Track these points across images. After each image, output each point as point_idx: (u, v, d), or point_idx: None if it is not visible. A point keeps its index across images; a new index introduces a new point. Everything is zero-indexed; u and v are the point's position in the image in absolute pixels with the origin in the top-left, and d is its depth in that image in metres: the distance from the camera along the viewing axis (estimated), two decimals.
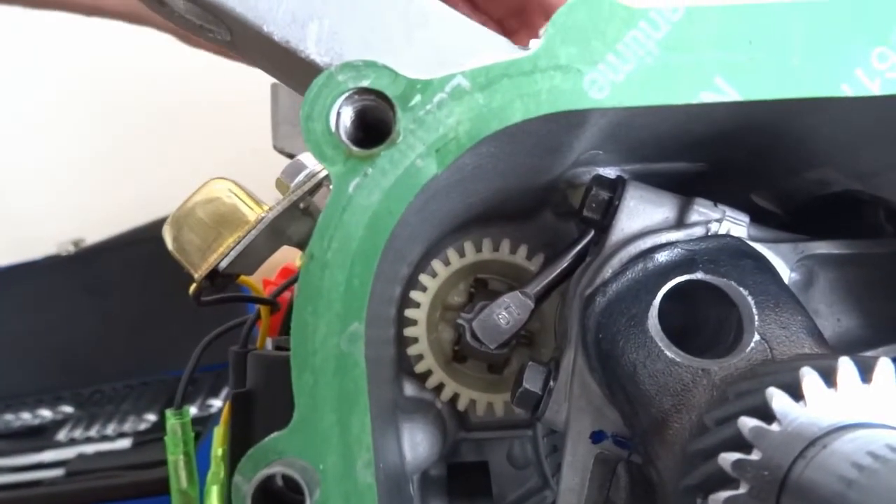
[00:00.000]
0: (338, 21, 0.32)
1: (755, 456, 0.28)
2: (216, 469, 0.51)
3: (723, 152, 0.42)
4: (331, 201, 0.28)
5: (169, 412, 0.53)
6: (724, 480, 0.28)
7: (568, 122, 0.31)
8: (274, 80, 0.59)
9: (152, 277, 1.36)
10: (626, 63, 0.29)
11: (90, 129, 1.50)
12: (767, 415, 0.28)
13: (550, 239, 0.50)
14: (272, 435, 0.27)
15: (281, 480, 0.27)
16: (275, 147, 0.58)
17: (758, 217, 0.41)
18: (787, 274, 0.39)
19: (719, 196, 0.40)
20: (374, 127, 0.29)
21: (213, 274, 0.41)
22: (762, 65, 0.29)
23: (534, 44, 0.29)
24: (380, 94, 0.28)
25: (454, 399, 0.47)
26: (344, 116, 0.28)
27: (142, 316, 1.39)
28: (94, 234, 1.45)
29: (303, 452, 0.26)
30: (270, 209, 0.41)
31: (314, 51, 0.32)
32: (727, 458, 0.28)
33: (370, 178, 0.28)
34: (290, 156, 0.48)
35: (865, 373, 0.28)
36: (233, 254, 0.39)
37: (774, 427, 0.28)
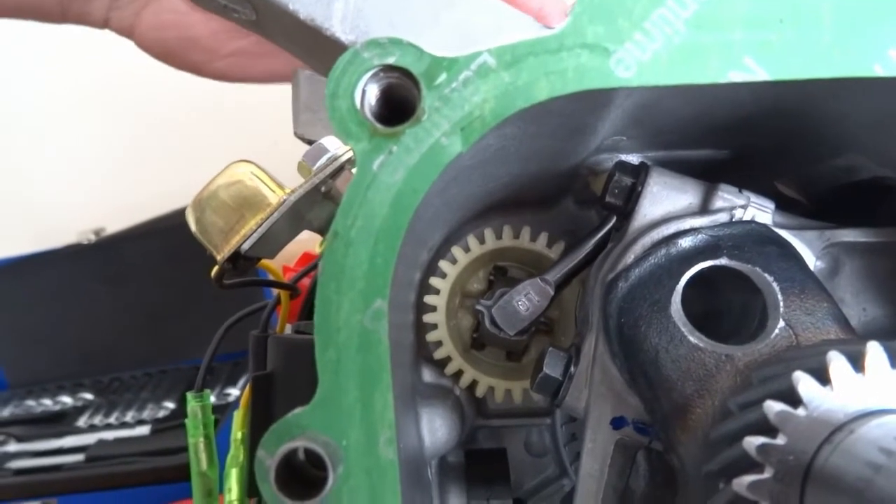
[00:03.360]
0: None
1: (780, 440, 0.27)
2: (236, 452, 0.51)
3: (748, 139, 0.41)
4: (355, 179, 0.28)
5: (190, 395, 0.53)
6: (747, 465, 0.28)
7: (593, 102, 0.31)
8: (296, 67, 0.59)
9: (172, 267, 1.37)
10: (654, 42, 0.28)
11: (112, 119, 1.51)
12: (793, 399, 0.28)
13: (571, 227, 0.50)
14: (295, 410, 0.27)
15: (303, 455, 0.27)
16: (296, 133, 0.58)
17: (783, 205, 0.40)
18: (812, 261, 0.39)
19: (743, 184, 0.40)
20: (398, 105, 0.29)
21: (236, 256, 0.41)
22: (792, 44, 0.28)
23: (560, 22, 0.29)
24: (405, 72, 0.28)
25: (472, 386, 0.47)
26: (369, 94, 0.28)
27: (161, 305, 1.41)
28: (115, 223, 1.47)
29: (326, 428, 0.26)
30: (293, 192, 0.41)
31: (339, 29, 0.32)
32: (752, 441, 0.28)
33: (395, 156, 0.28)
34: (311, 143, 0.48)
35: (894, 358, 0.28)
36: (255, 236, 0.39)
37: (801, 411, 0.27)
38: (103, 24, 0.67)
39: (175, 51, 0.65)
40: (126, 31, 0.67)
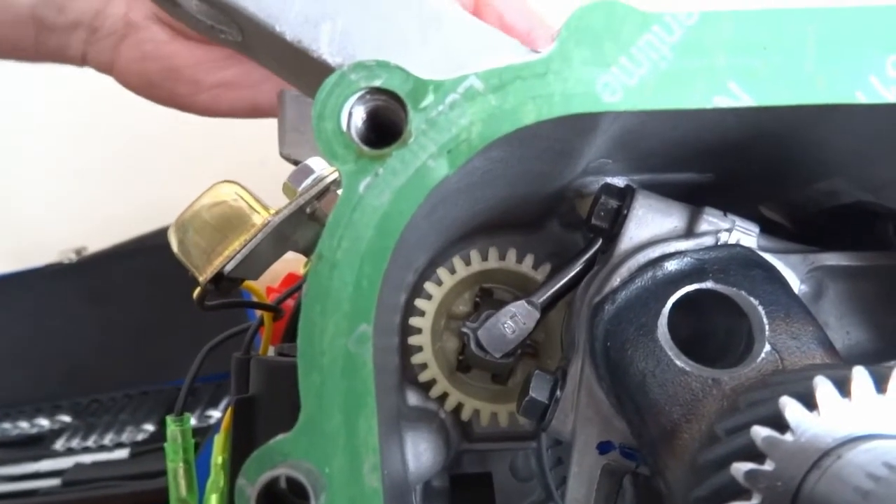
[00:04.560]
0: (350, 21, 0.32)
1: (768, 466, 0.27)
2: (216, 477, 0.50)
3: (732, 163, 0.42)
4: (341, 201, 0.28)
5: (169, 419, 0.52)
6: (735, 492, 0.28)
7: (580, 127, 0.31)
8: (281, 87, 0.59)
9: (154, 287, 1.35)
10: (640, 67, 0.29)
11: (93, 136, 1.50)
12: (780, 424, 0.28)
13: (557, 249, 0.50)
14: (277, 437, 0.26)
15: (285, 484, 0.26)
16: (281, 154, 0.58)
17: (767, 228, 0.40)
18: (796, 285, 0.39)
19: (728, 207, 0.40)
20: (385, 127, 0.28)
21: (218, 278, 0.40)
22: (776, 70, 0.29)
23: (547, 46, 0.29)
24: (392, 94, 0.28)
25: (458, 409, 0.46)
26: (355, 116, 0.28)
27: (142, 325, 1.39)
28: (97, 242, 1.45)
29: (309, 454, 0.26)
30: (277, 213, 0.40)
31: (326, 51, 0.32)
32: (740, 468, 0.27)
33: (381, 178, 0.28)
34: (297, 163, 0.48)
35: (880, 383, 0.28)
36: (238, 257, 0.39)
37: (788, 437, 0.27)
38: (81, 59, 0.65)
39: (157, 83, 0.64)
40: (105, 67, 0.65)
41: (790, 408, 0.28)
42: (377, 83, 0.28)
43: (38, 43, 0.63)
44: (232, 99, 0.64)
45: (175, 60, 0.63)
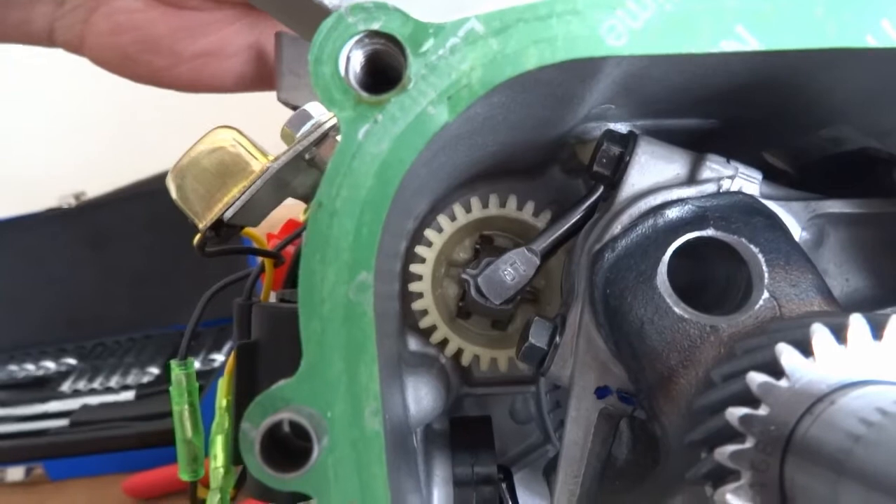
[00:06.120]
0: None
1: (763, 411, 0.28)
2: (220, 419, 0.51)
3: (737, 109, 0.41)
4: (340, 148, 0.27)
5: (173, 363, 0.53)
6: (729, 435, 0.28)
7: (583, 71, 0.30)
8: (278, 30, 0.57)
9: (154, 232, 1.36)
10: (645, 10, 0.28)
11: (91, 80, 1.47)
12: (776, 370, 0.28)
13: (557, 196, 0.49)
14: (279, 382, 0.27)
15: (288, 427, 0.27)
16: (279, 98, 0.57)
17: (770, 175, 0.40)
18: (797, 232, 0.39)
19: (731, 153, 0.39)
20: (384, 72, 0.28)
21: (218, 224, 0.40)
22: (785, 13, 0.28)
23: None
24: (391, 38, 0.27)
25: (458, 354, 0.47)
26: (353, 61, 0.27)
27: (144, 270, 1.40)
28: (96, 187, 1.44)
29: (311, 400, 0.26)
30: (276, 159, 0.40)
31: None
32: (735, 412, 0.28)
33: (380, 125, 0.27)
34: (295, 108, 0.47)
35: (877, 330, 0.28)
36: (238, 204, 0.39)
37: (783, 383, 0.28)
38: (48, 37, 0.59)
39: (133, 56, 0.59)
40: (75, 43, 0.60)
41: (786, 354, 0.28)
42: (376, 26, 0.27)
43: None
44: (214, 69, 0.60)
45: (151, 30, 0.58)
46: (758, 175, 0.38)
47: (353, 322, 0.27)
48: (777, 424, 0.27)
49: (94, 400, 1.24)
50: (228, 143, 0.40)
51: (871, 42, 0.28)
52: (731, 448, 0.28)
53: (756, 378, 0.28)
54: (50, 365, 1.36)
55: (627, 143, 0.39)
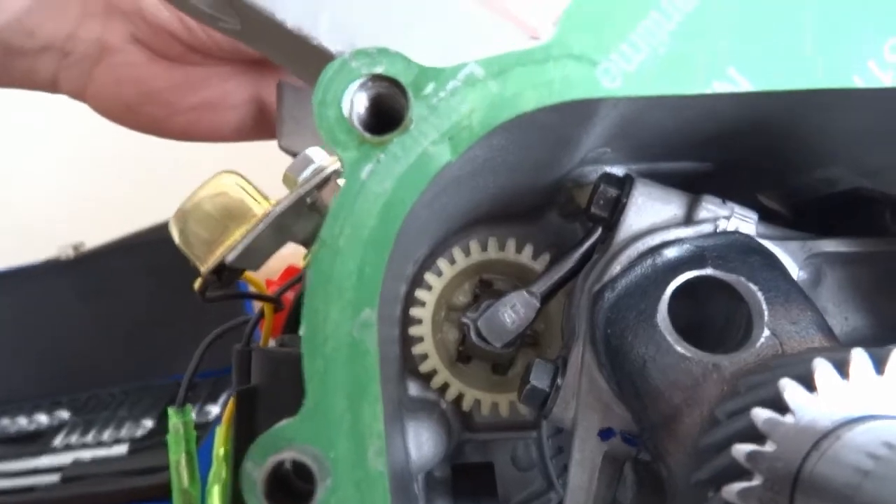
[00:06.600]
0: (350, 8, 0.32)
1: (769, 447, 0.27)
2: (218, 469, 0.50)
3: (731, 152, 0.42)
4: (343, 188, 0.28)
5: (171, 410, 0.52)
6: (736, 473, 0.28)
7: (579, 113, 0.31)
8: (279, 79, 0.59)
9: (151, 282, 1.36)
10: (639, 52, 0.29)
11: (90, 131, 1.49)
12: (780, 406, 0.28)
13: (556, 239, 0.50)
14: (282, 422, 0.27)
15: (290, 466, 0.26)
16: (280, 146, 0.58)
17: (765, 216, 0.41)
18: (795, 272, 0.39)
19: (726, 195, 0.40)
20: (386, 114, 0.29)
21: (220, 268, 0.41)
22: (775, 55, 0.29)
23: (547, 33, 0.29)
24: (393, 81, 0.28)
25: (459, 399, 0.47)
26: (357, 103, 0.28)
27: (140, 321, 1.39)
28: (95, 238, 1.45)
29: (314, 439, 0.26)
30: (278, 203, 0.41)
31: (326, 38, 0.32)
32: (741, 449, 0.28)
33: (382, 165, 0.28)
34: (296, 155, 0.48)
35: (879, 364, 0.28)
36: (240, 247, 0.39)
37: (788, 418, 0.28)
38: (52, 84, 0.61)
39: (134, 107, 0.60)
40: (78, 91, 0.61)
41: (790, 389, 0.28)
42: (378, 70, 0.28)
43: (3, 67, 0.59)
44: (213, 120, 0.61)
45: (152, 83, 0.60)
46: (753, 215, 0.39)
47: (357, 360, 0.27)
48: (784, 461, 0.27)
49: (86, 454, 1.21)
50: (231, 188, 0.40)
51: (859, 83, 0.29)
52: (738, 486, 0.27)
53: (761, 414, 0.28)
54: (43, 419, 1.34)
55: (624, 184, 0.40)
